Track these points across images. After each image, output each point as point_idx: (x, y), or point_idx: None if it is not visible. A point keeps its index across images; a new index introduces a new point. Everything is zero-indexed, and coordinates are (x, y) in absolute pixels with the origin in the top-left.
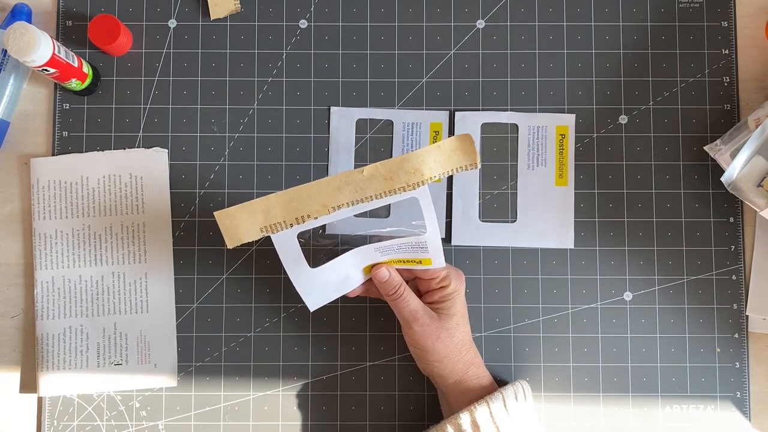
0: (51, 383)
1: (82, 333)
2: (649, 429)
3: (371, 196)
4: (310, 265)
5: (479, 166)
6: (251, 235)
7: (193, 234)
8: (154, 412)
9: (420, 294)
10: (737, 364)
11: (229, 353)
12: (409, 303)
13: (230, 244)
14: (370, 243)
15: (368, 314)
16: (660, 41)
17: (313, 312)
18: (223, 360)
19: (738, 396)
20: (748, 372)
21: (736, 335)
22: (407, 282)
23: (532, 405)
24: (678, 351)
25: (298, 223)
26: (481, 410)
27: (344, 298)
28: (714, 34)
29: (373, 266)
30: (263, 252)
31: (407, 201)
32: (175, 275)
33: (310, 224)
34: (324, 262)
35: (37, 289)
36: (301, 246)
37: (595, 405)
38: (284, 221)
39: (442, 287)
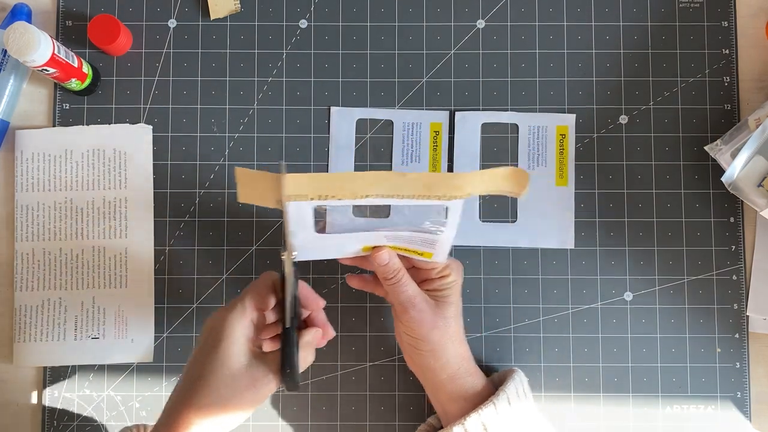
0: (27, 354)
1: (60, 305)
2: (649, 429)
3: (404, 195)
4: (315, 231)
5: (522, 198)
6: (265, 202)
7: (193, 234)
8: (154, 412)
9: (417, 282)
10: (738, 364)
11: None
12: (408, 288)
13: (240, 200)
14: (378, 230)
15: (368, 314)
16: (660, 41)
17: None
18: None
19: (738, 396)
20: (748, 372)
21: (737, 335)
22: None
23: (531, 399)
24: (678, 351)
25: (320, 200)
26: (487, 411)
27: (346, 298)
28: (714, 34)
29: (374, 247)
30: (263, 252)
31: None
32: (175, 275)
33: (332, 203)
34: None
35: (16, 261)
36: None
37: (595, 405)
38: (306, 194)
39: (442, 276)
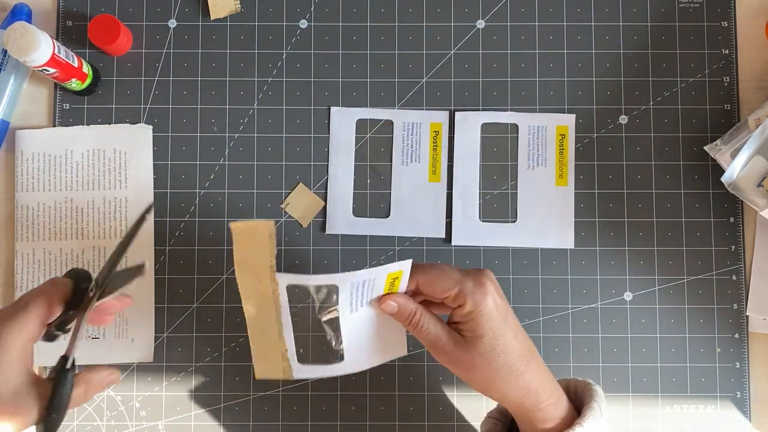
0: None
1: None
2: (649, 429)
3: (281, 305)
4: (336, 361)
5: (274, 224)
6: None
7: (193, 234)
8: (154, 412)
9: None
10: (737, 364)
11: (229, 353)
12: (430, 329)
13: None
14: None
15: None
16: (660, 41)
17: None
18: (223, 360)
19: (738, 396)
20: (748, 372)
21: (737, 335)
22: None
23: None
24: (678, 351)
25: (283, 350)
26: None
27: None
28: (714, 34)
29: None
30: None
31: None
32: (175, 275)
33: (290, 340)
34: (337, 343)
35: (16, 261)
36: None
37: None
38: (273, 361)
39: (459, 306)
